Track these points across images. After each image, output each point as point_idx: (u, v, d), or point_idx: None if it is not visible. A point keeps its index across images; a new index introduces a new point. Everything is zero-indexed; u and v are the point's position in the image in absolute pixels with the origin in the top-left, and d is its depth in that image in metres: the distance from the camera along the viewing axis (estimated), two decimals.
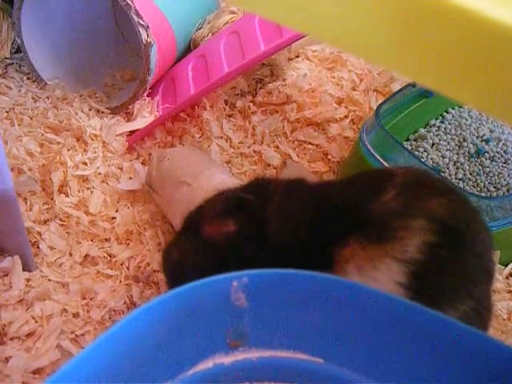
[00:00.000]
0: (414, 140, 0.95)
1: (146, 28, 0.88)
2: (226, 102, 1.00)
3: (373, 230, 0.53)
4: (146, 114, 0.97)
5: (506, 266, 0.81)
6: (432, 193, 0.56)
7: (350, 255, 0.53)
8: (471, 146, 0.92)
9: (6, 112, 0.95)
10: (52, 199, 0.81)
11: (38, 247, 0.77)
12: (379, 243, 0.52)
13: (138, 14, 0.87)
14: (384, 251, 0.51)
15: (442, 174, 0.87)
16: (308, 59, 1.12)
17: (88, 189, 0.84)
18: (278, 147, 0.94)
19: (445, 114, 0.99)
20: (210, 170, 0.78)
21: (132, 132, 0.95)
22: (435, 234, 0.51)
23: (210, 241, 0.59)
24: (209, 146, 0.92)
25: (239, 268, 0.45)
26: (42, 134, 0.90)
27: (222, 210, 0.59)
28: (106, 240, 0.80)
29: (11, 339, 0.67)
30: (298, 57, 1.13)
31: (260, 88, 1.03)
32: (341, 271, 0.53)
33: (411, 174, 0.58)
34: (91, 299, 0.72)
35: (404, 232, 0.51)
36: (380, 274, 0.51)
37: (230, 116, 0.98)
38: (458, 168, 0.89)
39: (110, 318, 0.71)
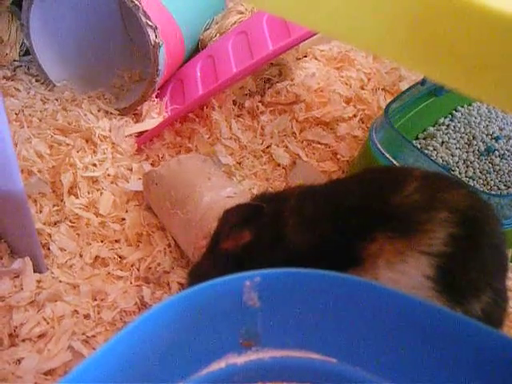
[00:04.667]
0: (424, 139, 0.95)
1: (155, 29, 0.88)
2: (234, 102, 1.00)
3: (398, 223, 0.53)
4: (154, 115, 0.97)
5: None
6: (451, 184, 0.56)
7: (379, 250, 0.53)
8: (481, 144, 0.91)
9: (16, 114, 0.96)
10: (62, 201, 0.82)
11: (49, 249, 0.77)
12: (406, 237, 0.52)
13: (146, 15, 0.87)
14: (411, 244, 0.52)
15: (452, 173, 0.86)
16: (316, 59, 1.12)
17: (97, 190, 0.84)
18: (287, 147, 0.94)
19: (454, 112, 0.98)
20: (197, 192, 0.75)
21: (141, 133, 0.95)
22: (458, 226, 0.52)
23: (230, 254, 0.59)
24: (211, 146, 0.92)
25: None
26: (52, 136, 0.90)
27: (236, 222, 0.59)
28: (116, 241, 0.80)
29: (23, 341, 0.67)
30: (305, 56, 1.13)
31: (268, 88, 1.03)
32: (371, 266, 0.53)
33: (426, 170, 0.59)
34: (102, 300, 0.72)
35: (429, 225, 0.52)
36: (409, 268, 0.51)
37: (238, 116, 0.98)
38: (467, 166, 0.89)
39: (121, 319, 0.71)
